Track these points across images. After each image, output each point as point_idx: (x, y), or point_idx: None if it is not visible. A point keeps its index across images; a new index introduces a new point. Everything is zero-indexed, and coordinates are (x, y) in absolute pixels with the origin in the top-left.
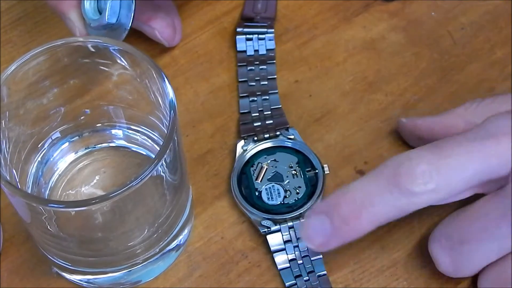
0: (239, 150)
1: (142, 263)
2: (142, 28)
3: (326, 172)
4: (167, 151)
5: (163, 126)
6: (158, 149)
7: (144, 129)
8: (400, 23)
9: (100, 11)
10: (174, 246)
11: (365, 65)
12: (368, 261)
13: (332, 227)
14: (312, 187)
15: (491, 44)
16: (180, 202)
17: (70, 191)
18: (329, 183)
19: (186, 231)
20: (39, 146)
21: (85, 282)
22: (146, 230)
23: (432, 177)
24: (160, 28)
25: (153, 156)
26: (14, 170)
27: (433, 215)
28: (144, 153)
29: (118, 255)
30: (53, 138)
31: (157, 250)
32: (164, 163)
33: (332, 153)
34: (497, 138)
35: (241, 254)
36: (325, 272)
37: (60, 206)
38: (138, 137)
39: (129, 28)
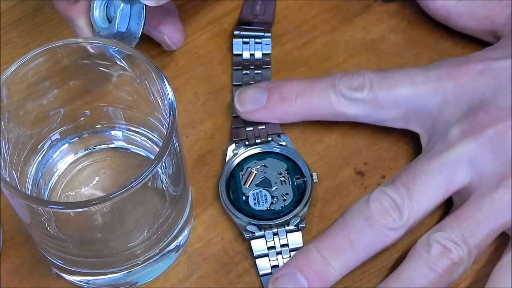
0: (229, 153)
1: (141, 264)
2: (151, 33)
3: (315, 181)
4: (167, 152)
5: (163, 127)
6: (158, 150)
7: (144, 130)
8: (400, 23)
9: (110, 20)
10: (174, 247)
11: (365, 66)
12: (368, 262)
13: (267, 101)
14: (300, 195)
15: (491, 45)
16: (180, 203)
17: (69, 192)
18: (329, 184)
19: (186, 232)
20: (38, 147)
21: (85, 283)
22: (146, 231)
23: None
24: (170, 33)
25: (153, 157)
26: (13, 171)
27: (434, 215)
28: (144, 154)
29: (118, 256)
30: (52, 139)
31: (157, 251)
32: (163, 164)
33: (332, 153)
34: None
35: (241, 255)
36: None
37: (60, 207)
38: (137, 138)
39: (139, 36)
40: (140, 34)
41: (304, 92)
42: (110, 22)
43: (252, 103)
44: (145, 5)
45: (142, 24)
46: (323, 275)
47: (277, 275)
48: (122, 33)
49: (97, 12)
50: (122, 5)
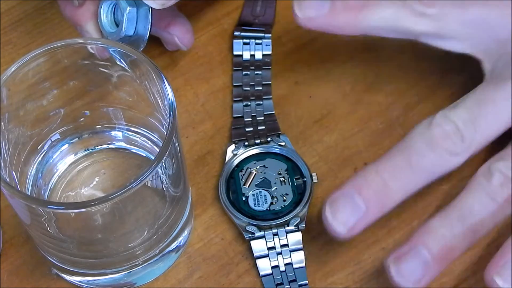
0: (229, 154)
1: (141, 264)
2: (160, 34)
3: (314, 181)
4: (167, 152)
5: (163, 128)
6: (158, 150)
7: (144, 131)
8: None
9: (117, 24)
10: (174, 247)
11: (365, 66)
12: (369, 262)
13: (330, 9)
14: (299, 195)
15: None
16: (180, 204)
17: (69, 193)
18: (329, 184)
19: (186, 232)
20: (38, 147)
21: (85, 283)
22: (146, 232)
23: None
24: (180, 34)
25: (153, 158)
26: (13, 172)
27: (435, 216)
28: (144, 154)
29: (118, 256)
30: (52, 140)
31: (157, 251)
32: (163, 164)
33: (332, 154)
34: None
35: (241, 255)
36: (306, 282)
37: (60, 207)
38: (137, 139)
39: (147, 39)
40: (147, 36)
41: (370, 4)
42: (117, 26)
43: (313, 8)
44: (151, 7)
45: (149, 26)
46: (382, 197)
47: (335, 195)
48: (129, 36)
49: (105, 17)
50: (128, 8)
